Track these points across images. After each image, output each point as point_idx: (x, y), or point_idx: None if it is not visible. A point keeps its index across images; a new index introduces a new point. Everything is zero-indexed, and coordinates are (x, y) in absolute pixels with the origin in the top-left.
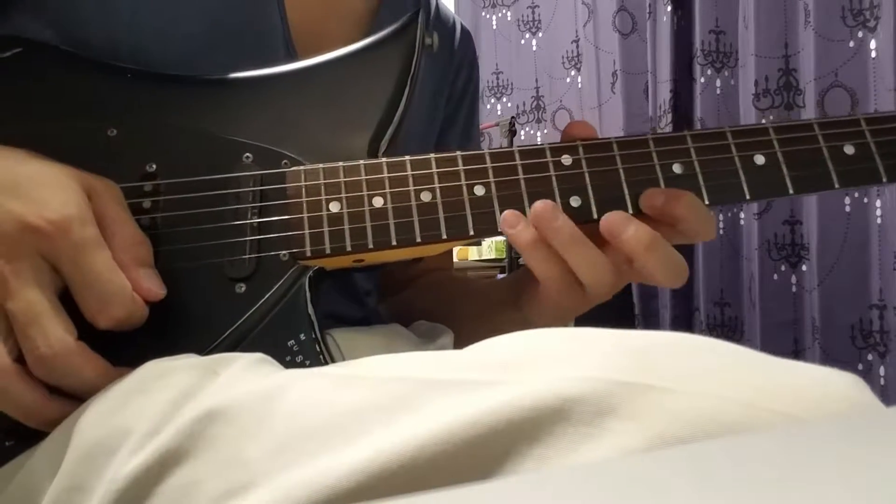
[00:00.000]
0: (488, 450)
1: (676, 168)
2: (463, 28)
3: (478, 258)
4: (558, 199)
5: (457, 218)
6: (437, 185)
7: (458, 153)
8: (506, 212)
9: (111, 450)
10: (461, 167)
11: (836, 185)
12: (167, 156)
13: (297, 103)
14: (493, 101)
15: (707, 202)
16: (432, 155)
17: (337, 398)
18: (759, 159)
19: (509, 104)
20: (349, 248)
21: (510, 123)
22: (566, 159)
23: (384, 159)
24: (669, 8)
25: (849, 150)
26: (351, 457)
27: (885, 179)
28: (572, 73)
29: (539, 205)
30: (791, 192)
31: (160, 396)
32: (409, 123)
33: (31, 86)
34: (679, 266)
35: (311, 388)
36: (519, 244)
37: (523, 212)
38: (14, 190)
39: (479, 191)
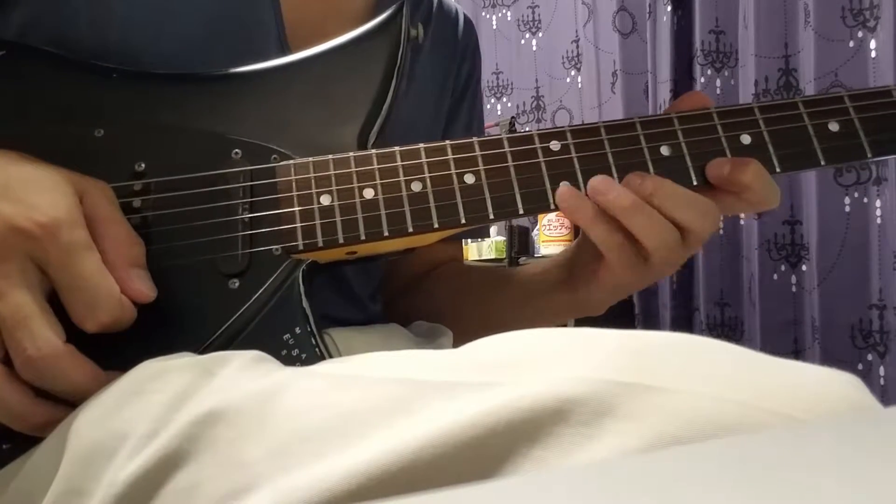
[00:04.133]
0: (487, 451)
1: (664, 150)
2: (466, 18)
3: (477, 258)
4: (548, 185)
5: (448, 207)
6: (427, 174)
7: (448, 142)
8: (561, 187)
9: (109, 453)
10: (451, 156)
11: (822, 163)
12: (156, 154)
13: (285, 98)
14: (493, 101)
15: (695, 183)
16: (422, 145)
17: (336, 400)
18: (746, 139)
19: (509, 104)
20: (341, 241)
21: (510, 123)
22: (555, 145)
23: (373, 151)
24: (669, 8)
25: (833, 127)
26: (351, 459)
27: (870, 155)
28: (572, 73)
29: (595, 181)
30: (778, 170)
31: (157, 398)
32: (409, 117)
33: (16, 89)
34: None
35: (310, 389)
36: (579, 219)
37: (514, 199)
38: (4, 192)
39: (470, 179)
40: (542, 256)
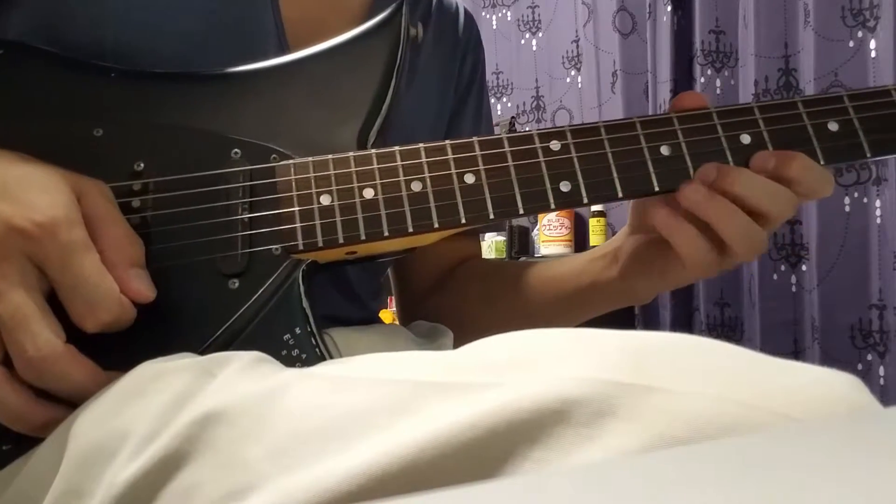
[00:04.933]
0: (488, 452)
1: (664, 150)
2: (466, 13)
3: None
4: (548, 185)
5: (448, 206)
6: (427, 174)
7: (448, 142)
8: (658, 210)
9: (109, 454)
10: (450, 156)
11: (822, 162)
12: (155, 154)
13: (285, 97)
14: (493, 101)
15: None
16: (421, 145)
17: (336, 400)
18: (746, 139)
19: (509, 104)
20: (341, 241)
21: (510, 123)
22: (555, 145)
23: (373, 150)
24: (669, 8)
25: (833, 126)
26: (351, 460)
27: (869, 155)
28: (572, 73)
29: (689, 190)
30: None
31: (157, 399)
32: (412, 115)
33: (14, 88)
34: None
35: (310, 389)
36: (677, 242)
37: (514, 198)
38: (2, 192)
39: (470, 179)
40: (542, 256)
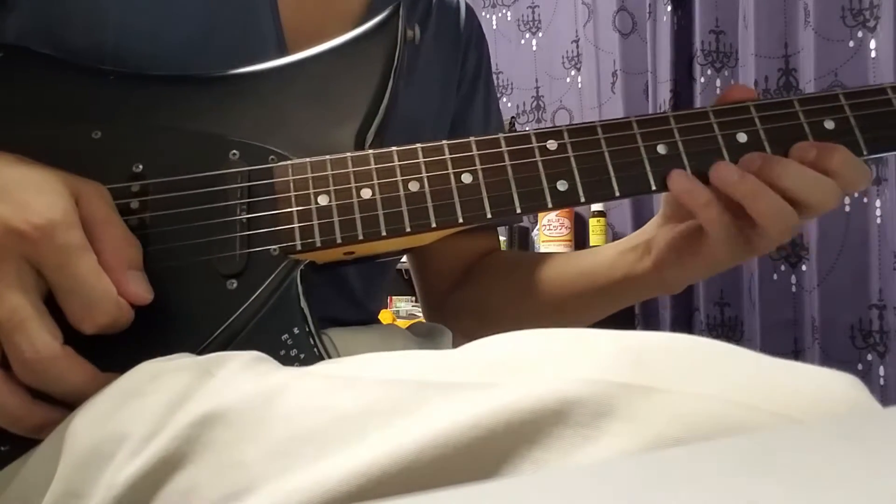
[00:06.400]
0: (487, 452)
1: (661, 149)
2: (467, 8)
3: None
4: (545, 184)
5: (445, 206)
6: (424, 174)
7: (445, 142)
8: (673, 173)
9: (107, 455)
10: (448, 156)
11: None
12: (153, 156)
13: (283, 99)
14: None
15: None
16: (419, 145)
17: (335, 401)
18: (742, 137)
19: (509, 104)
20: (339, 241)
21: (510, 123)
22: (551, 144)
23: (371, 151)
24: (669, 8)
25: (829, 125)
26: (350, 460)
27: (865, 153)
28: (572, 73)
29: (719, 167)
30: None
31: (155, 399)
32: (413, 114)
33: (14, 91)
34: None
35: (309, 389)
36: (691, 203)
37: (511, 198)
38: (0, 193)
39: (467, 178)
40: None
